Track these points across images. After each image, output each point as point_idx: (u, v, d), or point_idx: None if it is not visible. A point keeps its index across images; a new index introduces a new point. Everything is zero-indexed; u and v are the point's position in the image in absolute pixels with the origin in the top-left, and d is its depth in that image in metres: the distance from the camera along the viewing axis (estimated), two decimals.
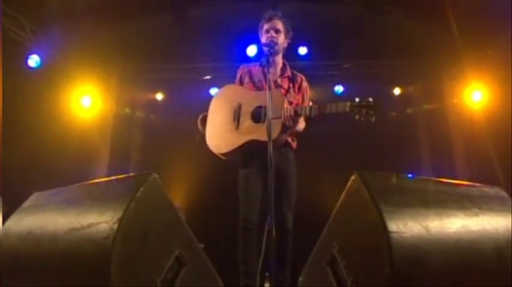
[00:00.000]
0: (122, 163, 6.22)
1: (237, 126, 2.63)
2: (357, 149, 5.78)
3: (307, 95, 2.89)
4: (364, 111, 2.34)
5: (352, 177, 1.56)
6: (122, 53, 5.94)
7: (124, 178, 1.72)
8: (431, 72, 6.16)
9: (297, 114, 2.48)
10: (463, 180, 1.74)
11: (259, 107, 2.59)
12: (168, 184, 1.67)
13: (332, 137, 6.05)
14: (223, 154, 2.65)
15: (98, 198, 1.55)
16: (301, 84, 2.89)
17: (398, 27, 5.41)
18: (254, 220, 2.50)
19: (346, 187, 1.61)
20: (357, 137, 5.99)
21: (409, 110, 6.50)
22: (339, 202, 1.67)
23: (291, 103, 2.67)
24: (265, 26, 2.79)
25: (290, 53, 6.00)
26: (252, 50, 5.87)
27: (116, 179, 1.70)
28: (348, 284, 1.45)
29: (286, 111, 2.47)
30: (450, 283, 1.31)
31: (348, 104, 2.37)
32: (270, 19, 2.78)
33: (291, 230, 2.57)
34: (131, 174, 1.84)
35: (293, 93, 2.79)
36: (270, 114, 2.20)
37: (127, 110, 6.54)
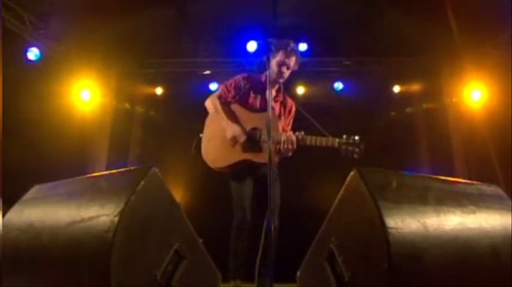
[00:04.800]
0: (121, 157, 6.22)
1: (233, 145, 2.72)
2: None
3: (292, 118, 3.00)
4: (350, 148, 2.57)
5: (351, 173, 1.58)
6: (122, 47, 5.93)
7: (125, 171, 1.73)
8: (430, 70, 6.17)
9: (297, 143, 2.63)
10: (462, 178, 1.76)
11: (255, 129, 2.72)
12: (167, 179, 1.71)
13: (332, 135, 6.06)
14: (217, 168, 2.77)
15: (99, 191, 1.56)
16: (291, 108, 2.99)
17: (398, 25, 5.41)
18: (249, 220, 2.63)
19: (345, 183, 1.62)
20: (357, 135, 6.01)
21: (408, 109, 6.51)
22: (338, 197, 1.68)
23: (282, 129, 2.80)
24: (281, 57, 2.78)
25: None
26: (252, 46, 5.86)
27: (116, 173, 1.70)
28: (346, 279, 1.47)
29: (288, 139, 2.61)
30: (447, 279, 1.32)
31: (337, 140, 2.59)
32: (289, 55, 2.78)
33: (277, 228, 2.66)
34: (132, 168, 1.85)
35: (283, 118, 2.91)
36: (270, 113, 2.24)
37: (126, 104, 6.53)
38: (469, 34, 4.94)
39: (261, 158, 2.64)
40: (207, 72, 6.36)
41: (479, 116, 5.39)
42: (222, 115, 2.79)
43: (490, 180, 1.85)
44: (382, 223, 1.30)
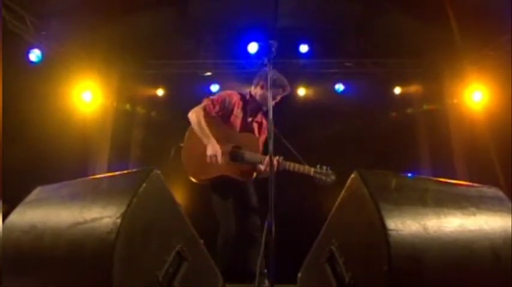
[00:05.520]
0: (122, 158, 6.23)
1: (211, 162, 2.80)
2: (357, 149, 5.79)
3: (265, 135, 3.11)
4: (323, 177, 2.81)
5: (352, 175, 1.58)
6: (123, 49, 5.95)
7: (127, 173, 1.74)
8: (431, 72, 6.17)
9: (277, 167, 2.79)
10: (463, 180, 1.76)
11: (237, 147, 2.85)
12: (168, 181, 1.76)
13: (333, 136, 6.07)
14: (198, 180, 2.86)
15: (101, 193, 1.57)
16: (265, 127, 3.08)
17: (399, 26, 5.42)
18: (234, 228, 2.80)
19: (346, 185, 1.63)
20: (357, 136, 6.02)
21: (409, 110, 6.51)
22: (339, 199, 1.69)
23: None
24: (275, 94, 2.90)
25: (291, 50, 6.06)
26: (253, 47, 5.88)
27: (119, 175, 1.71)
28: (346, 280, 1.48)
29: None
30: (447, 281, 1.33)
31: (312, 169, 2.83)
32: (282, 94, 2.94)
33: (260, 242, 2.83)
34: (134, 170, 1.86)
35: (258, 137, 3.07)
36: (270, 115, 2.30)
37: (127, 105, 6.54)
38: (469, 36, 4.95)
39: (241, 176, 2.82)
40: (208, 73, 6.37)
41: (480, 118, 5.39)
42: (205, 131, 2.83)
43: (491, 181, 1.85)
44: (383, 225, 1.31)
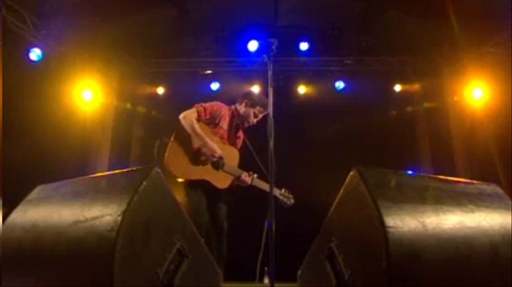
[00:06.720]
0: (123, 157, 6.24)
1: (198, 162, 2.92)
2: (357, 146, 5.80)
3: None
4: (285, 200, 3.22)
5: (351, 173, 1.59)
6: (123, 47, 5.95)
7: (127, 171, 1.75)
8: (431, 69, 6.17)
9: (250, 184, 3.11)
10: (463, 177, 1.77)
11: (220, 158, 3.00)
12: (169, 179, 1.83)
13: (333, 134, 6.07)
14: (177, 178, 2.93)
15: (102, 191, 1.58)
16: (242, 139, 3.33)
17: (399, 24, 5.42)
18: (207, 221, 2.97)
19: (345, 183, 1.64)
20: (357, 134, 6.02)
21: (409, 108, 6.50)
22: (338, 197, 1.70)
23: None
24: (258, 112, 3.17)
25: (291, 48, 6.06)
26: (252, 45, 5.88)
27: (119, 173, 1.72)
28: (346, 277, 1.48)
29: (244, 180, 3.05)
30: (445, 278, 1.33)
31: (278, 192, 3.21)
32: (264, 112, 3.15)
33: (226, 230, 3.08)
34: (134, 168, 1.86)
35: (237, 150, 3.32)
36: (270, 112, 2.36)
37: (128, 104, 6.54)
38: (469, 33, 4.95)
39: (220, 183, 2.99)
40: (208, 71, 6.37)
41: (480, 115, 5.39)
42: (200, 133, 2.93)
43: (492, 179, 1.86)
44: (382, 222, 1.32)
